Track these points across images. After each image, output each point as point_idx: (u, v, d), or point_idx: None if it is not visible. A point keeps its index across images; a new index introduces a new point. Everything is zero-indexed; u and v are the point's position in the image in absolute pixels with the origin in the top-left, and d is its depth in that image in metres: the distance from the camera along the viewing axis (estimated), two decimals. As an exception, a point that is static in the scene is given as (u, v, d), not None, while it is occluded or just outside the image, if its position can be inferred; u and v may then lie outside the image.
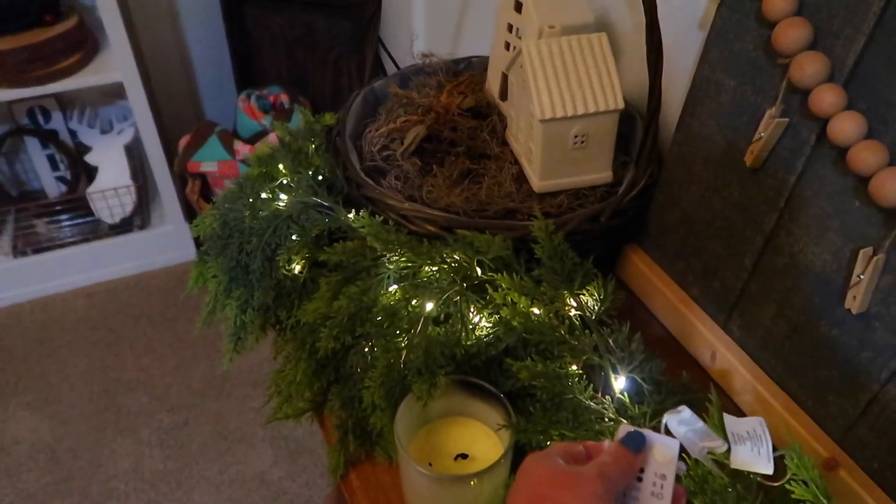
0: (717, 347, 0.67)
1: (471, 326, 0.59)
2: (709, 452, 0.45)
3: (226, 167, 1.82)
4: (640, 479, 0.41)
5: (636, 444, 0.42)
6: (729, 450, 0.46)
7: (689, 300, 0.71)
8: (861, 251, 0.51)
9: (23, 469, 1.51)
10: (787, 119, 0.55)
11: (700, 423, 0.44)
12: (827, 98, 0.50)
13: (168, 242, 1.95)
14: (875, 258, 0.50)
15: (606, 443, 0.43)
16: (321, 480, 1.50)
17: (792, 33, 0.51)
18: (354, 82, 1.83)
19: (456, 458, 0.57)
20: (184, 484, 1.49)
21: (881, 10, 0.46)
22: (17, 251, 1.85)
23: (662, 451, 0.41)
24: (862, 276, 0.51)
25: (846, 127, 0.49)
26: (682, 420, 0.44)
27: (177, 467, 1.52)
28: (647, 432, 0.42)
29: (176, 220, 1.92)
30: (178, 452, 1.55)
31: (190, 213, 1.94)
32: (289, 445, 1.57)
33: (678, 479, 0.42)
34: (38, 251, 1.86)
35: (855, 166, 0.49)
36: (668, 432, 0.45)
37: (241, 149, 1.81)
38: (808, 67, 0.50)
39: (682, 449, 0.44)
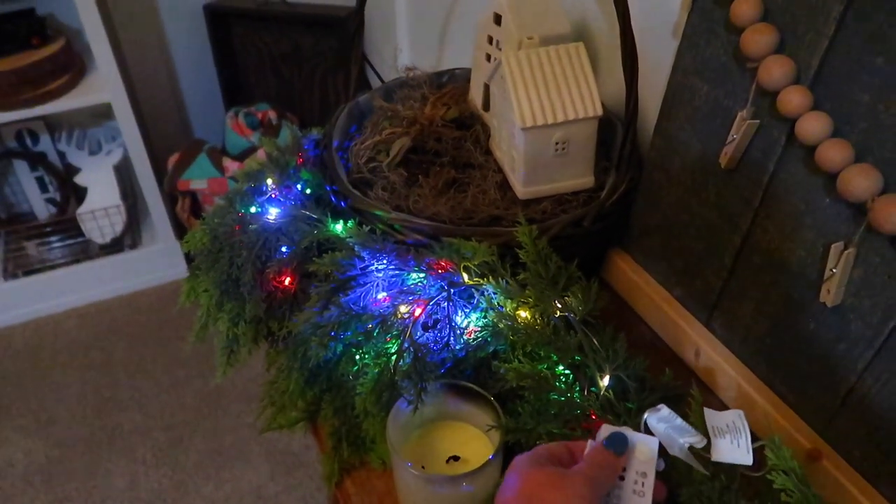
0: (700, 345, 0.69)
1: (459, 331, 0.60)
2: (689, 447, 0.46)
3: (215, 184, 1.83)
4: (621, 478, 0.43)
5: (619, 447, 0.43)
6: (709, 444, 0.47)
7: (673, 300, 0.73)
8: (833, 246, 0.53)
9: (17, 492, 1.51)
10: (758, 121, 0.57)
11: (678, 420, 0.46)
12: (794, 99, 0.52)
13: (159, 261, 1.96)
14: (846, 252, 0.52)
15: (589, 442, 0.44)
16: (318, 494, 1.50)
17: (759, 38, 0.53)
18: (341, 97, 1.85)
19: (448, 460, 0.58)
20: (180, 501, 1.49)
21: (841, 14, 0.48)
22: (8, 274, 1.85)
23: (642, 450, 0.43)
24: (834, 270, 0.53)
25: (813, 126, 0.51)
26: (660, 417, 0.46)
27: (173, 485, 1.52)
28: (628, 431, 0.43)
29: (167, 238, 1.93)
30: (174, 470, 1.55)
31: (180, 232, 1.95)
32: (285, 460, 1.57)
33: (659, 474, 0.43)
34: (28, 273, 1.86)
35: (823, 164, 0.50)
36: (647, 430, 0.46)
37: (231, 166, 1.83)
38: (775, 71, 0.52)
39: (662, 446, 0.45)
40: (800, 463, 0.48)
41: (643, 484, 0.42)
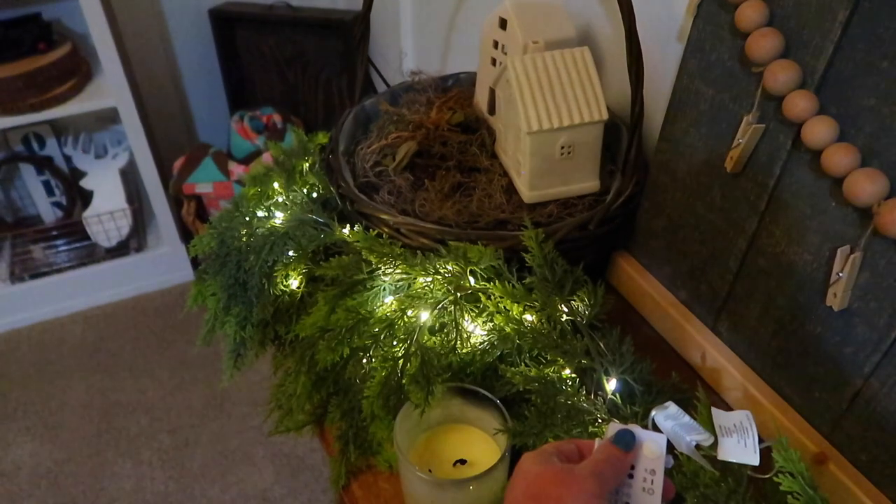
0: (706, 348, 0.69)
1: (465, 335, 0.61)
2: (696, 446, 0.46)
3: (221, 188, 1.83)
4: (630, 476, 0.43)
5: (626, 443, 0.43)
6: (716, 442, 0.47)
7: (678, 303, 0.73)
8: (839, 250, 0.53)
9: (24, 495, 1.51)
10: (764, 125, 0.57)
11: (686, 418, 0.46)
12: (799, 104, 0.52)
13: (165, 264, 1.97)
14: (852, 256, 0.52)
15: (597, 441, 0.44)
16: (323, 497, 1.50)
17: (764, 43, 0.53)
18: (346, 101, 1.85)
19: (455, 463, 0.59)
20: (186, 504, 1.50)
21: (846, 19, 0.49)
22: (15, 277, 1.86)
23: (651, 447, 0.43)
24: (841, 274, 0.53)
25: (818, 131, 0.51)
26: (668, 415, 0.46)
27: (178, 488, 1.52)
28: (636, 429, 0.43)
29: (172, 241, 1.93)
30: (180, 473, 1.55)
31: (186, 235, 1.96)
32: (290, 463, 1.57)
33: (667, 472, 0.43)
34: (35, 276, 1.87)
35: (828, 168, 0.51)
36: (655, 428, 0.46)
37: (236, 169, 1.83)
38: (781, 75, 0.52)
39: (670, 443, 0.45)
40: (807, 465, 0.48)
41: (652, 482, 0.42)
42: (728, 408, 0.67)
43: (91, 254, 1.94)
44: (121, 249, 1.94)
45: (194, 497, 1.51)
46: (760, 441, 0.47)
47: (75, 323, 1.91)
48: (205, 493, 1.51)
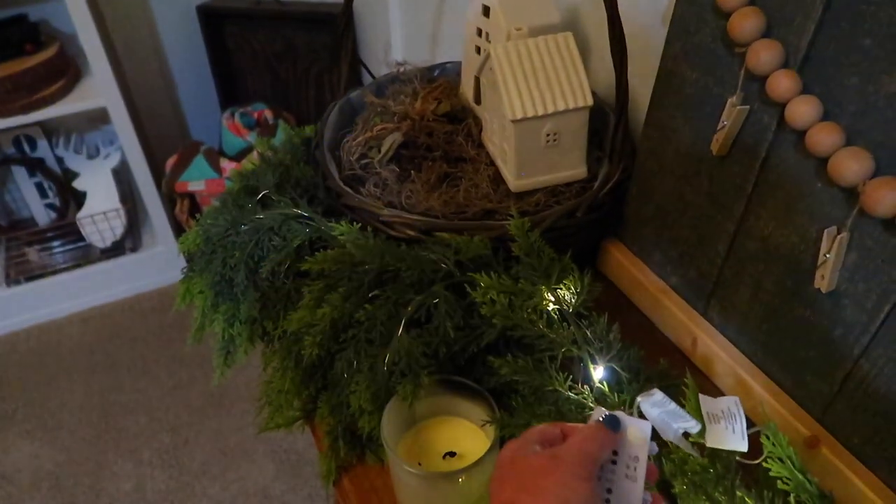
0: (697, 334, 0.68)
1: (452, 326, 0.60)
2: (683, 433, 0.46)
3: (213, 185, 1.83)
4: (614, 462, 0.42)
5: (613, 424, 0.42)
6: (704, 429, 0.47)
7: (668, 289, 0.72)
8: (825, 231, 0.52)
9: (25, 497, 1.51)
10: (748, 106, 0.56)
11: (672, 405, 0.45)
12: (783, 83, 0.51)
13: (160, 263, 1.96)
14: (839, 237, 0.51)
15: (582, 426, 0.44)
16: (324, 491, 1.51)
17: (746, 23, 0.52)
18: (336, 95, 1.85)
19: (444, 456, 0.58)
20: (186, 503, 1.49)
21: (828, -4, 0.48)
22: (10, 280, 1.86)
23: (635, 434, 0.42)
24: (828, 256, 0.52)
25: (802, 110, 0.50)
26: (654, 402, 0.45)
27: (179, 486, 1.53)
28: (621, 415, 0.43)
29: (166, 240, 1.93)
30: (180, 472, 1.55)
31: (180, 233, 1.95)
32: (290, 458, 1.57)
33: (650, 458, 0.43)
34: (30, 279, 1.87)
35: (813, 148, 0.50)
36: (641, 416, 0.46)
37: (228, 166, 1.82)
38: (763, 55, 0.52)
39: (655, 432, 0.44)
40: (797, 450, 0.48)
41: (635, 468, 0.42)
42: (719, 393, 0.67)
43: (86, 255, 1.93)
44: (116, 249, 1.94)
45: (195, 495, 1.51)
46: (749, 426, 0.46)
47: (72, 324, 1.91)
48: (205, 492, 1.51)
